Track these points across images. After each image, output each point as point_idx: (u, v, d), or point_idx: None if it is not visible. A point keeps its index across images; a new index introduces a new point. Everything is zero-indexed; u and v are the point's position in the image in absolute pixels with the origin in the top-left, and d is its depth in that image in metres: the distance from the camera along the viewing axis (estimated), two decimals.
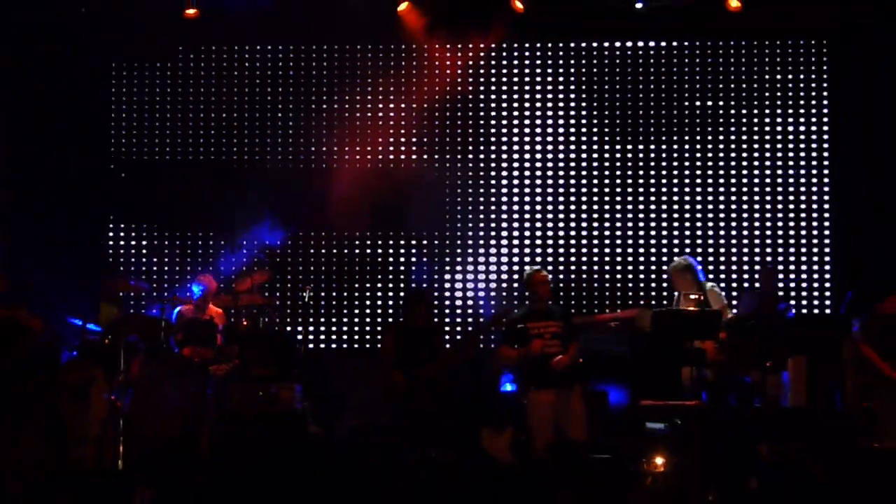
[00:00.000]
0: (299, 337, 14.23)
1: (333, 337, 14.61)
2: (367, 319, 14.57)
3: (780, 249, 14.43)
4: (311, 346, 14.31)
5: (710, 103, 14.59)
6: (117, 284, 13.07)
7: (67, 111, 14.18)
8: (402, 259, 14.59)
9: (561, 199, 14.55)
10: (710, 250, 14.31)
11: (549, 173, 14.57)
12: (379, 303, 14.61)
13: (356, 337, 14.61)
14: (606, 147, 14.60)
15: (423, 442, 11.09)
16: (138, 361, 11.73)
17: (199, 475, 8.40)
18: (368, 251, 14.62)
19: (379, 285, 14.58)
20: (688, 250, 13.98)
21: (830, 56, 14.52)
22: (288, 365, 12.05)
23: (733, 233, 14.41)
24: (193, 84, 14.75)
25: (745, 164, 14.51)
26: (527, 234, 14.54)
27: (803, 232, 14.44)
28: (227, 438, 11.34)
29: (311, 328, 14.40)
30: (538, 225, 14.55)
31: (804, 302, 14.45)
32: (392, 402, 11.74)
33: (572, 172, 14.56)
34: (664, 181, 14.53)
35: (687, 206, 14.47)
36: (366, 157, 14.54)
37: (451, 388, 11.86)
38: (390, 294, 14.56)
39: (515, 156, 14.61)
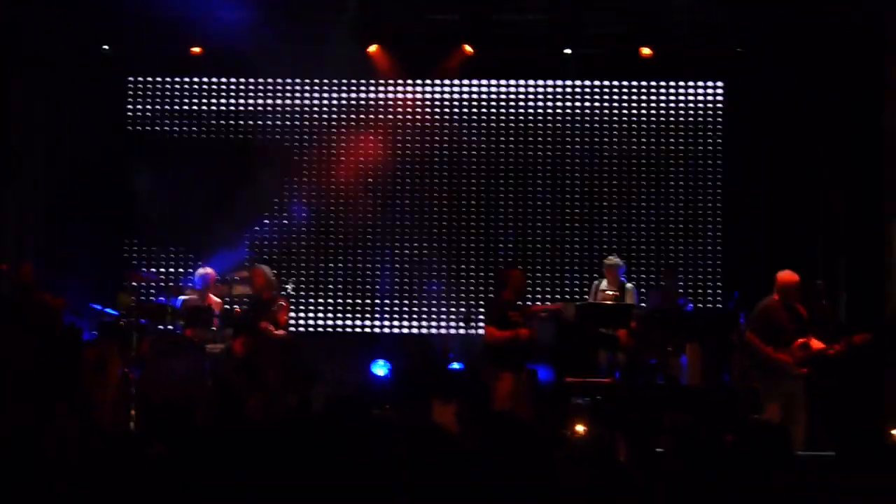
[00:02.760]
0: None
1: (311, 320, 15.83)
2: (339, 301, 15.75)
3: (681, 255, 15.72)
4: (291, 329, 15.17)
5: (625, 135, 15.90)
6: (131, 276, 13.95)
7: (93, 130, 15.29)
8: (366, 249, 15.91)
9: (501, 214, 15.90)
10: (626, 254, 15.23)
11: (482, 194, 15.93)
12: (349, 288, 15.82)
13: (329, 318, 15.83)
14: (539, 172, 15.93)
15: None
16: (147, 340, 12.65)
17: (197, 434, 9.79)
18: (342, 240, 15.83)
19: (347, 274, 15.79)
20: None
21: (727, 95, 15.77)
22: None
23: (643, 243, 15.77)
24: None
25: (651, 189, 15.90)
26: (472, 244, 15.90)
27: (699, 241, 15.78)
28: (220, 405, 12.41)
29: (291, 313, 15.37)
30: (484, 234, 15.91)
31: (699, 298, 15.60)
32: None
33: (501, 193, 15.91)
34: (587, 199, 15.87)
35: (605, 217, 15.84)
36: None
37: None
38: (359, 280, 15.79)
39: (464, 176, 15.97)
